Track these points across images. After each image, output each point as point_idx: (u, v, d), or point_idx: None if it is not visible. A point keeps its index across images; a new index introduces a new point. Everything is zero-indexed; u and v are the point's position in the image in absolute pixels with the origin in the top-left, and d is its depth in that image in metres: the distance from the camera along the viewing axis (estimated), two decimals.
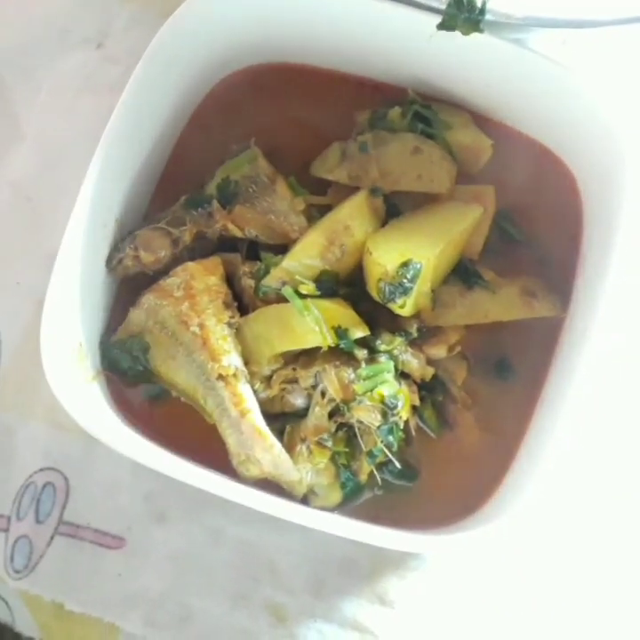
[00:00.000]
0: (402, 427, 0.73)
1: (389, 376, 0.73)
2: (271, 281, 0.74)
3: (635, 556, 0.79)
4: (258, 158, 0.79)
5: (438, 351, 0.76)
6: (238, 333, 0.75)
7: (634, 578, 0.79)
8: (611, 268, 0.73)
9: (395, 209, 0.78)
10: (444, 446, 0.77)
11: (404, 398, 0.73)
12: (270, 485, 0.74)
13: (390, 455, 0.73)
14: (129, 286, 0.79)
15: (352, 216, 0.75)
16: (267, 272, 0.75)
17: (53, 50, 0.91)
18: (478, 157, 0.80)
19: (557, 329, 0.78)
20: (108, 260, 0.77)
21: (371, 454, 0.74)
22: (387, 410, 0.72)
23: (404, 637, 0.78)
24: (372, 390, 0.72)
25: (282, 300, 0.74)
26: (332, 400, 0.73)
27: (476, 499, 0.75)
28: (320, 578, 0.79)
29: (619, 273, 0.72)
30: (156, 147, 0.79)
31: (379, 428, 0.72)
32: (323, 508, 0.74)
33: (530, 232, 0.79)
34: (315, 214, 0.78)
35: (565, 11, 0.69)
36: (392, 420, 0.72)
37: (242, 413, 0.73)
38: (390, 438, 0.73)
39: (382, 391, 0.72)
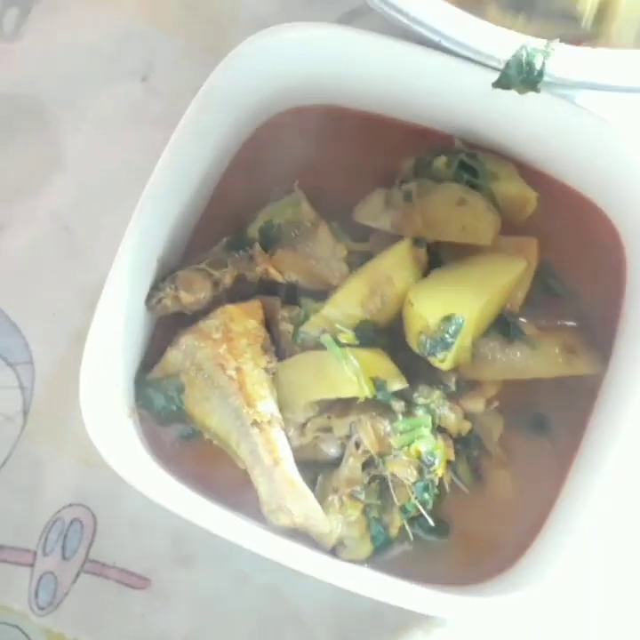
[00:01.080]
0: (437, 483, 0.72)
1: (426, 431, 0.72)
2: (310, 328, 0.74)
3: None
4: (301, 202, 0.78)
5: (475, 405, 0.75)
6: (274, 379, 0.74)
7: None
8: None
9: (437, 259, 0.77)
10: (477, 503, 0.76)
11: (440, 455, 0.72)
12: (300, 535, 0.73)
13: (424, 512, 0.72)
14: (165, 325, 0.78)
15: (394, 266, 0.74)
16: (306, 318, 0.75)
17: (98, 80, 0.91)
18: (523, 209, 0.79)
19: (596, 387, 0.77)
20: (148, 299, 0.76)
21: (403, 509, 0.73)
22: (423, 466, 0.71)
23: None
24: (408, 445, 0.71)
25: (319, 346, 0.73)
26: (366, 451, 0.72)
27: (510, 557, 0.74)
28: (345, 629, 0.79)
29: None
30: (199, 187, 0.79)
31: (414, 483, 0.71)
32: (351, 561, 0.73)
33: (571, 286, 0.79)
34: (355, 261, 0.77)
35: (619, 77, 0.69)
36: (428, 477, 0.71)
37: (275, 462, 0.72)
38: (425, 495, 0.72)
39: (419, 447, 0.71)
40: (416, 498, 0.72)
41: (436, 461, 0.71)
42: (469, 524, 0.76)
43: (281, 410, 0.74)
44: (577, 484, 0.73)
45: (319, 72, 0.77)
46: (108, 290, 0.72)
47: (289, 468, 0.72)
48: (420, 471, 0.72)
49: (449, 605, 0.69)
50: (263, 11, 0.88)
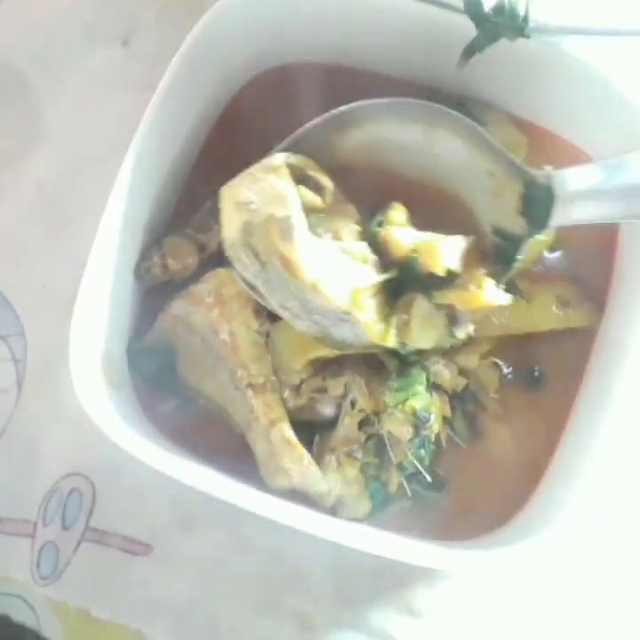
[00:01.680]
0: (433, 439, 0.72)
1: (421, 388, 0.72)
2: None
3: None
4: None
5: (470, 361, 0.75)
6: (268, 341, 0.74)
7: None
8: None
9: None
10: (475, 457, 0.76)
11: (436, 411, 0.72)
12: (298, 495, 0.73)
13: (421, 468, 0.72)
14: (156, 294, 0.78)
15: None
16: None
17: (78, 48, 0.90)
18: (514, 154, 0.78)
19: (591, 339, 0.77)
20: (137, 269, 0.76)
21: (401, 466, 0.72)
22: (418, 423, 0.71)
23: None
24: (403, 403, 0.71)
25: None
26: (361, 410, 0.72)
27: (508, 511, 0.74)
28: (348, 587, 0.78)
29: None
30: (183, 151, 0.78)
31: (410, 440, 0.71)
32: (351, 519, 0.73)
33: (564, 238, 0.77)
34: None
35: (603, 19, 0.68)
36: (424, 433, 0.71)
37: (271, 423, 0.72)
38: (421, 452, 0.72)
39: (414, 404, 0.71)
40: (412, 454, 0.72)
41: (432, 417, 0.71)
42: (467, 479, 0.76)
43: (275, 372, 0.74)
44: (574, 437, 0.73)
45: (300, 28, 0.76)
46: (93, 258, 0.71)
47: (285, 429, 0.72)
48: (416, 428, 0.71)
49: (449, 558, 0.69)
50: None
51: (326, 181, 0.70)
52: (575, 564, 0.78)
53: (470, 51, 0.70)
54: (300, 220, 0.67)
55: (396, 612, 0.78)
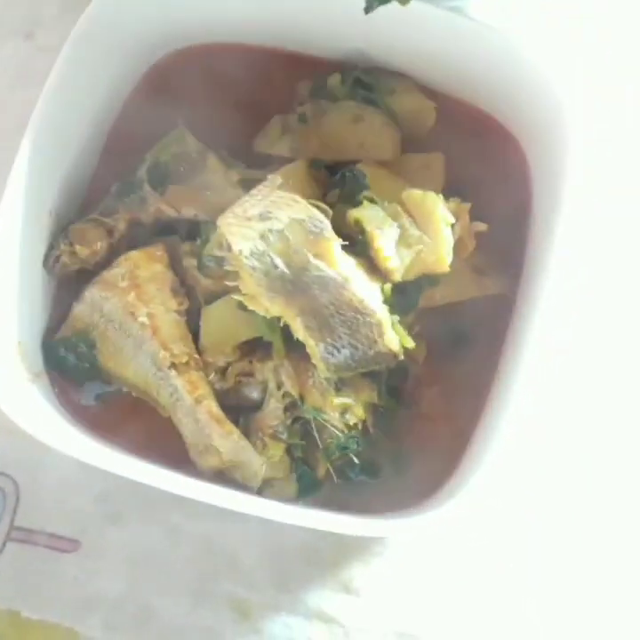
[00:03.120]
0: (359, 426, 0.72)
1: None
2: (212, 248, 0.71)
3: (598, 532, 0.79)
4: (186, 137, 0.77)
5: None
6: (193, 323, 0.73)
7: (598, 556, 0.78)
8: (556, 240, 0.72)
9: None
10: (406, 430, 0.75)
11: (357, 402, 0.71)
12: (226, 479, 0.72)
13: (353, 457, 0.71)
14: (69, 283, 0.76)
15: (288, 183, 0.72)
16: (207, 242, 0.72)
17: None
18: (422, 122, 0.79)
19: (510, 303, 0.77)
20: (46, 259, 0.75)
21: (328, 451, 0.71)
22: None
23: (370, 625, 0.76)
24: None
25: (227, 275, 0.71)
26: (288, 394, 0.71)
27: (440, 478, 0.73)
28: (283, 569, 0.78)
29: (564, 245, 0.71)
30: (88, 136, 0.77)
31: (334, 427, 0.71)
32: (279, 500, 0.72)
33: (478, 206, 0.76)
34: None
35: None
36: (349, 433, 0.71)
37: (197, 401, 0.71)
38: (350, 442, 0.71)
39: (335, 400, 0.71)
40: (339, 445, 0.71)
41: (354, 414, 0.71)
42: (399, 453, 0.75)
43: (201, 354, 0.73)
44: (496, 403, 0.72)
45: (200, 10, 0.76)
46: None
47: (212, 406, 0.71)
48: (342, 413, 0.71)
49: (376, 526, 0.69)
50: None
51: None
52: (505, 527, 0.78)
53: (366, 11, 0.70)
54: (324, 220, 0.67)
55: (333, 591, 0.77)
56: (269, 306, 0.67)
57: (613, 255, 0.83)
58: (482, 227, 0.73)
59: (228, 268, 0.69)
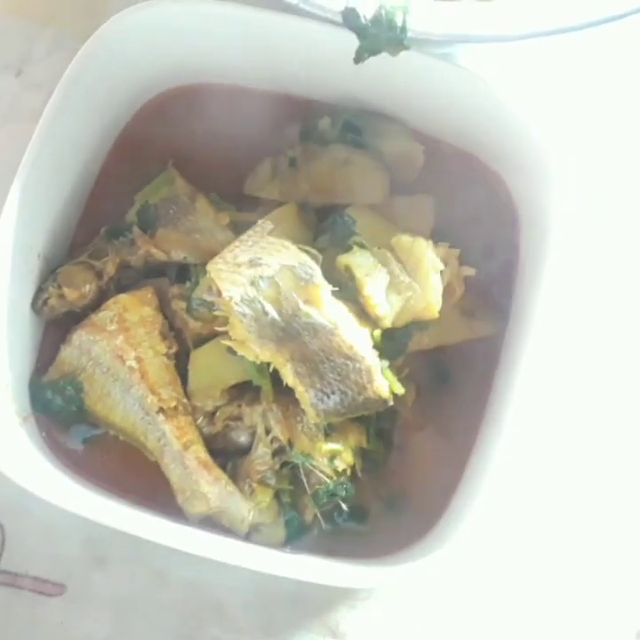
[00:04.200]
0: (348, 472, 0.71)
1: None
2: (201, 291, 0.71)
3: (593, 577, 0.79)
4: (175, 179, 0.77)
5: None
6: (181, 366, 0.73)
7: (593, 603, 0.79)
8: (544, 281, 0.72)
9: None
10: (395, 473, 0.75)
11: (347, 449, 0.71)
12: (214, 524, 0.72)
13: (341, 503, 0.71)
14: (57, 325, 0.76)
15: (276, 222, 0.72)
16: (196, 285, 0.73)
17: None
18: (411, 164, 0.78)
19: (499, 343, 0.77)
20: (34, 302, 0.74)
21: (316, 496, 0.71)
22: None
23: None
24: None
25: (216, 320, 0.70)
26: (276, 439, 0.71)
27: (429, 522, 0.73)
28: (269, 613, 0.77)
29: (552, 285, 0.72)
30: (78, 177, 0.77)
31: (323, 472, 0.70)
32: (267, 546, 0.72)
33: (466, 247, 0.76)
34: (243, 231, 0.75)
35: (486, 26, 0.68)
36: (338, 479, 0.70)
37: (185, 446, 0.71)
38: (338, 488, 0.71)
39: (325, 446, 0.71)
40: (327, 492, 0.71)
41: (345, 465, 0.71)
42: (388, 497, 0.75)
43: (189, 398, 0.73)
44: (485, 440, 0.72)
45: (189, 49, 0.76)
46: None
47: (200, 451, 0.71)
48: (331, 458, 0.71)
49: (365, 576, 0.68)
50: None
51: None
52: (496, 572, 0.78)
53: (356, 62, 0.70)
54: (314, 267, 0.67)
55: (319, 635, 0.77)
56: (259, 351, 0.67)
57: (601, 295, 0.84)
58: (470, 271, 0.73)
59: (217, 312, 0.69)
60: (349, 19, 0.67)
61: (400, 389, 0.69)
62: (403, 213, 0.77)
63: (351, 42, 0.70)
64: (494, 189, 0.79)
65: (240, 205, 0.78)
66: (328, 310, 0.67)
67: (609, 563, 0.79)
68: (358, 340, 0.67)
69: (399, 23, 0.67)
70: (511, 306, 0.77)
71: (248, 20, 0.73)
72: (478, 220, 0.79)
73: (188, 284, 0.74)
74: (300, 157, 0.77)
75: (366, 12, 0.67)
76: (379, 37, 0.68)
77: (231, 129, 0.80)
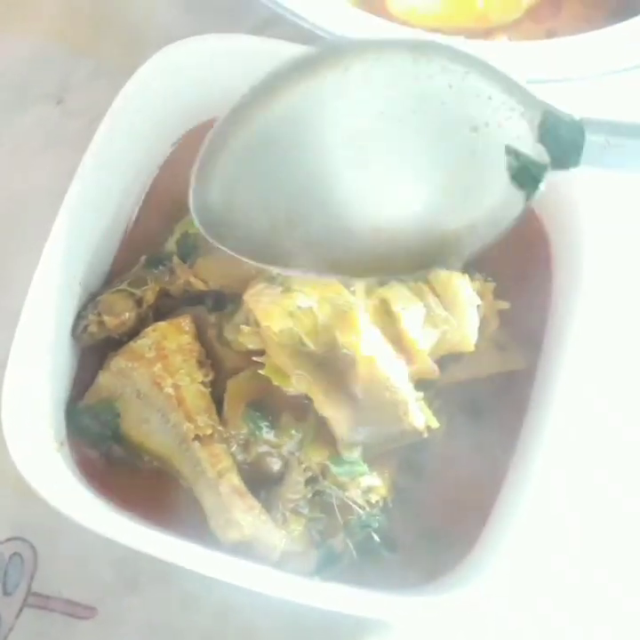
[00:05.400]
0: (380, 504, 0.72)
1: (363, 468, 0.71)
2: (239, 322, 0.72)
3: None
4: None
5: None
6: (217, 394, 0.74)
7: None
8: (577, 314, 0.73)
9: None
10: (425, 505, 0.75)
11: (382, 481, 0.72)
12: (245, 551, 0.71)
13: (374, 534, 0.72)
14: (95, 351, 0.77)
15: None
16: (232, 315, 0.74)
17: (12, 106, 0.91)
18: None
19: (530, 378, 0.77)
20: (74, 329, 0.75)
21: (348, 527, 0.71)
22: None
23: None
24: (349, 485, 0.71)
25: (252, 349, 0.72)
26: (309, 468, 0.71)
27: (460, 554, 0.73)
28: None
29: (584, 318, 0.73)
30: (119, 207, 0.78)
31: (355, 504, 0.71)
32: (297, 574, 0.72)
33: (498, 279, 0.78)
34: None
35: (527, 67, 0.70)
36: (371, 499, 0.71)
37: (219, 474, 0.71)
38: (370, 520, 0.71)
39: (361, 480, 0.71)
40: (360, 524, 0.71)
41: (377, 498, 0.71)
42: (417, 527, 0.75)
43: (224, 426, 0.73)
44: (517, 471, 0.73)
45: (229, 83, 0.76)
46: (26, 315, 0.70)
47: (234, 479, 0.71)
48: (365, 491, 0.71)
49: (396, 607, 0.69)
50: (175, 27, 0.88)
51: None
52: (529, 603, 0.78)
53: None
54: (352, 298, 0.68)
55: None
56: (296, 382, 0.68)
57: (634, 329, 0.84)
58: (504, 305, 0.74)
59: (253, 342, 0.70)
60: None
61: (435, 423, 0.70)
62: None
63: None
64: (527, 221, 0.79)
65: None
66: (365, 342, 0.67)
67: None
68: (395, 372, 0.68)
69: None
70: (543, 338, 0.77)
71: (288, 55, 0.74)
72: (510, 251, 0.79)
73: (225, 313, 0.75)
74: None
75: None
76: None
77: None
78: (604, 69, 0.68)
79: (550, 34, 0.74)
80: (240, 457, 0.73)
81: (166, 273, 0.76)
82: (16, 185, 0.88)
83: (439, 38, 0.69)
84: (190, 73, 0.76)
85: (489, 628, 0.78)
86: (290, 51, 0.73)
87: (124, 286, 0.77)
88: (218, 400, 0.74)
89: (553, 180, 0.73)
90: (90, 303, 0.76)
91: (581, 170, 0.71)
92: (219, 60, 0.75)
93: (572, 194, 0.74)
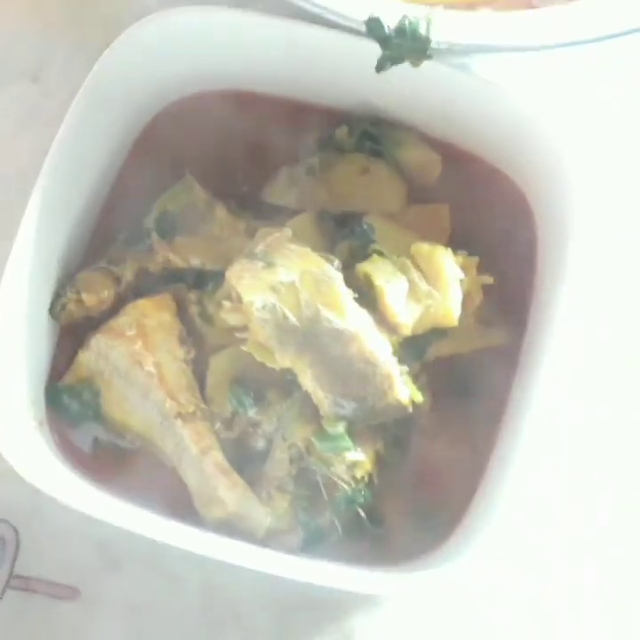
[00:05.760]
0: (366, 479, 0.71)
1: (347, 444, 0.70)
2: (220, 298, 0.71)
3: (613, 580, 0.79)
4: (193, 187, 0.77)
5: None
6: (199, 371, 0.73)
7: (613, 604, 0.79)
8: (562, 290, 0.73)
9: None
10: (410, 480, 0.75)
11: (368, 461, 0.71)
12: (230, 529, 0.71)
13: (360, 511, 0.71)
14: (72, 330, 0.76)
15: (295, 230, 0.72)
16: (213, 292, 0.73)
17: None
18: (428, 173, 0.79)
19: (516, 352, 0.77)
20: (52, 307, 0.74)
21: (333, 502, 0.71)
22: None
23: None
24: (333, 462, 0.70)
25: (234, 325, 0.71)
26: (293, 445, 0.71)
27: (446, 531, 0.73)
28: (285, 619, 0.77)
29: (569, 294, 0.72)
30: (95, 184, 0.77)
31: (340, 479, 0.70)
32: (283, 552, 0.72)
33: (483, 255, 0.76)
34: None
35: (507, 36, 0.69)
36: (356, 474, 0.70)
37: (203, 451, 0.71)
38: (356, 495, 0.71)
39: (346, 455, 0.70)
40: (346, 499, 0.71)
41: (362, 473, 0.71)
42: (403, 504, 0.75)
43: (207, 404, 0.73)
44: (503, 447, 0.73)
45: (209, 56, 0.76)
46: (1, 294, 0.69)
47: (218, 456, 0.71)
48: (350, 466, 0.71)
49: (382, 583, 0.69)
50: (155, 3, 0.87)
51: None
52: (513, 580, 0.78)
53: (377, 71, 0.71)
54: (335, 273, 0.68)
55: None
56: (280, 357, 0.67)
57: (620, 303, 0.84)
58: (488, 280, 0.74)
59: (235, 319, 0.69)
60: (373, 28, 0.68)
61: (420, 397, 0.69)
62: (419, 221, 0.77)
63: (372, 51, 0.71)
64: (512, 197, 0.79)
65: (258, 213, 0.78)
66: (349, 316, 0.67)
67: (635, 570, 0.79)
68: (379, 347, 0.67)
69: (423, 33, 0.68)
70: (529, 314, 0.77)
71: (268, 28, 0.74)
72: (495, 227, 0.79)
73: (205, 291, 0.74)
74: (317, 166, 0.78)
75: (390, 22, 0.68)
76: (402, 47, 0.69)
77: (248, 136, 0.80)
78: (586, 38, 0.67)
79: (532, 5, 0.73)
80: (223, 435, 0.73)
81: (145, 250, 0.76)
82: None
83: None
84: (167, 47, 0.75)
85: (476, 604, 0.78)
86: (271, 24, 0.73)
87: (102, 264, 0.76)
88: (200, 378, 0.74)
89: (538, 155, 0.74)
90: (68, 281, 0.75)
91: (566, 146, 0.72)
92: (196, 34, 0.74)
93: (557, 168, 0.74)
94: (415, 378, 0.71)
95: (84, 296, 0.74)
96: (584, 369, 0.80)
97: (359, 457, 0.70)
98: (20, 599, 0.77)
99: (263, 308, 0.67)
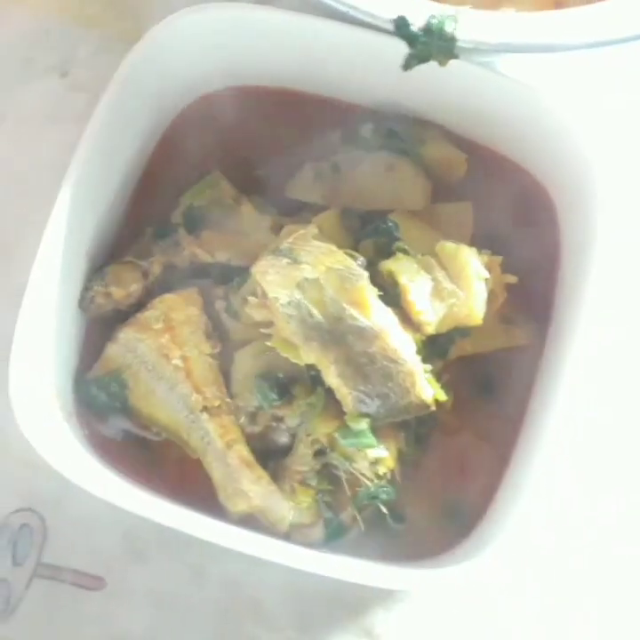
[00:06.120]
0: (388, 476, 0.72)
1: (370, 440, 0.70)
2: (246, 294, 0.72)
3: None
4: (220, 182, 0.78)
5: None
6: (225, 365, 0.74)
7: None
8: (586, 290, 0.73)
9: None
10: (434, 478, 0.76)
11: (390, 457, 0.71)
12: (254, 522, 0.72)
13: (381, 506, 0.72)
14: (102, 323, 0.77)
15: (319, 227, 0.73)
16: (239, 287, 0.74)
17: (16, 79, 0.90)
18: (453, 173, 0.79)
19: (539, 351, 0.77)
20: (81, 300, 0.75)
21: (356, 498, 0.71)
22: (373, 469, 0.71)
23: None
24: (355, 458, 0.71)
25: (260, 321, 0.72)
26: (317, 440, 0.71)
27: (468, 527, 0.73)
28: (305, 613, 0.78)
29: (593, 294, 0.72)
30: (124, 177, 0.78)
31: (364, 475, 0.71)
32: (306, 546, 0.73)
33: (506, 254, 0.77)
34: None
35: (535, 35, 0.69)
36: (378, 471, 0.71)
37: (228, 445, 0.72)
38: (379, 491, 0.71)
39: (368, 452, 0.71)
40: (368, 495, 0.71)
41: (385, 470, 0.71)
42: (425, 499, 0.75)
43: (232, 398, 0.73)
44: (526, 445, 0.73)
45: (237, 52, 0.77)
46: (32, 286, 0.70)
47: (243, 450, 0.71)
48: (373, 462, 0.71)
49: (404, 578, 0.69)
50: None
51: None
52: (534, 577, 0.79)
53: (404, 69, 0.71)
54: (360, 270, 0.68)
55: (355, 636, 0.78)
56: (304, 353, 0.68)
57: None
58: (512, 279, 0.74)
59: (261, 314, 0.70)
60: (401, 27, 0.68)
61: (443, 396, 0.70)
62: (444, 220, 0.78)
63: (399, 49, 0.71)
64: (536, 196, 0.80)
65: (283, 209, 0.78)
66: (374, 314, 0.68)
67: None
68: (403, 345, 0.68)
69: (449, 32, 0.68)
70: (552, 313, 0.77)
71: (296, 26, 0.74)
72: (520, 227, 0.79)
73: (231, 286, 0.75)
74: (342, 162, 0.78)
75: (417, 21, 0.68)
76: (429, 46, 0.69)
77: (275, 132, 0.81)
78: (612, 38, 0.67)
79: (559, 5, 0.73)
80: (248, 429, 0.73)
81: (172, 245, 0.76)
82: (21, 158, 0.88)
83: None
84: (196, 42, 0.75)
85: (495, 601, 0.78)
86: (298, 22, 0.74)
87: (130, 258, 0.77)
88: (225, 372, 0.74)
89: (563, 155, 0.74)
90: (96, 274, 0.76)
91: (591, 146, 0.72)
92: (226, 30, 0.75)
93: (582, 167, 0.74)
94: (438, 376, 0.72)
95: (113, 289, 0.75)
96: (607, 368, 0.80)
97: (382, 453, 0.71)
98: (46, 588, 0.79)
99: (288, 304, 0.67)
